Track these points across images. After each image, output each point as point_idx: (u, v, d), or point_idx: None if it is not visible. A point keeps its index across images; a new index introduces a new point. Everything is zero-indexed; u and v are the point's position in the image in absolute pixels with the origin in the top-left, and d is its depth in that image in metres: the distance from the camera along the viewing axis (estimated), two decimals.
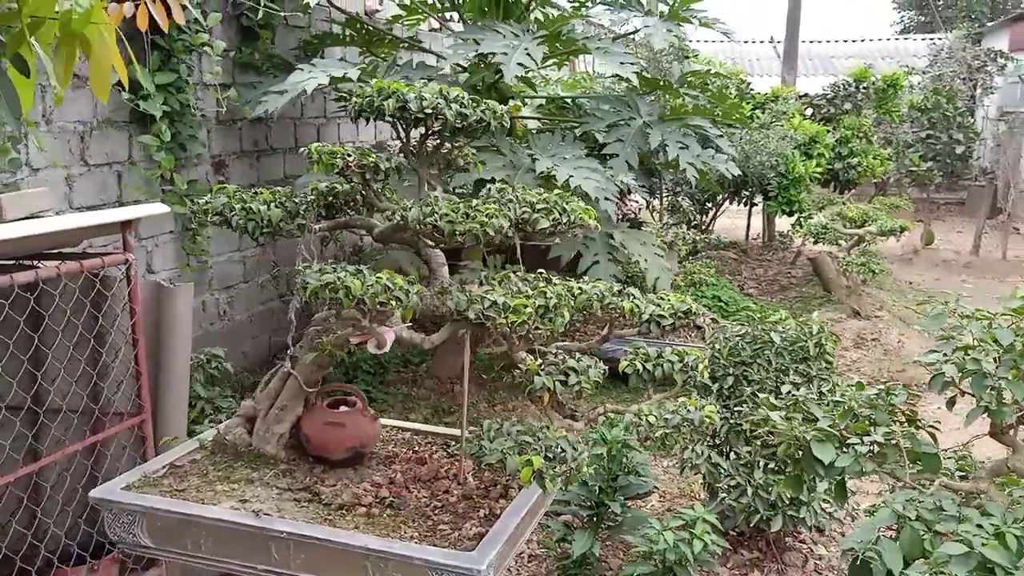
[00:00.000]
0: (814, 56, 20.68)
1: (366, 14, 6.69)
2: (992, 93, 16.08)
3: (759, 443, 4.05)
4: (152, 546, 2.66)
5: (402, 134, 2.70)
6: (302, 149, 2.62)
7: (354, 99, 2.62)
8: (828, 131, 10.64)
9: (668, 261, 5.78)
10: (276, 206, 2.57)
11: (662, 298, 2.96)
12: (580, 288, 2.63)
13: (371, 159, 2.52)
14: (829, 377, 4.30)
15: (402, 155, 2.69)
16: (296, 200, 2.66)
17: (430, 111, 2.47)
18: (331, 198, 2.81)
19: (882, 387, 2.42)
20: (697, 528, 3.70)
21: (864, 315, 8.74)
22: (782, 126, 10.27)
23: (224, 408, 4.63)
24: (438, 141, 2.69)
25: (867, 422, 2.34)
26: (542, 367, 2.50)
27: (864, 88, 11.51)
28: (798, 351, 4.20)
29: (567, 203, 2.55)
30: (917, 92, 13.47)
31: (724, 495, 4.15)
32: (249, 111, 5.14)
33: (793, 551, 4.39)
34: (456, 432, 3.21)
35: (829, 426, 2.34)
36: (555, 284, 2.48)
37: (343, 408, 2.92)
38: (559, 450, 2.28)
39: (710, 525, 3.73)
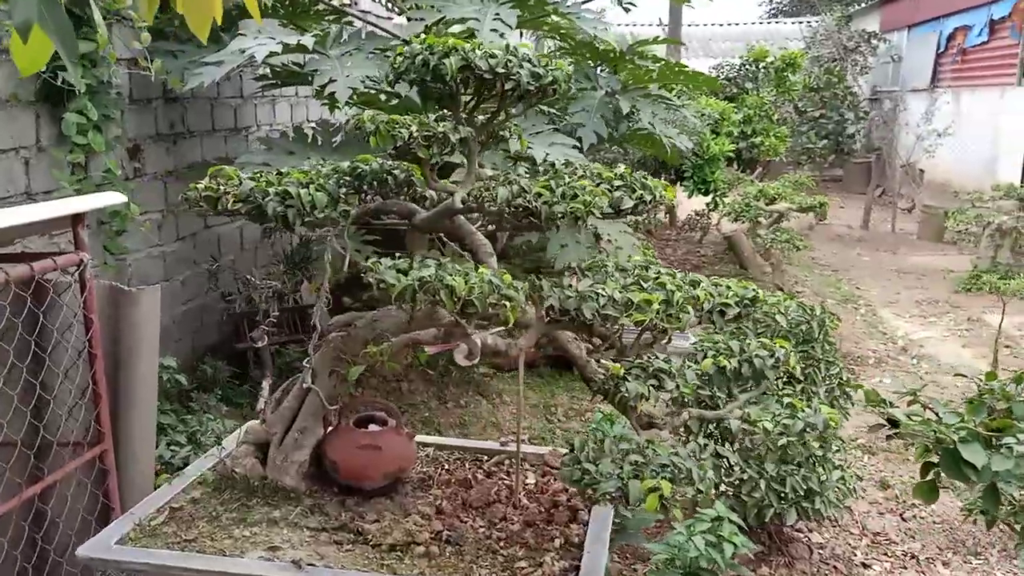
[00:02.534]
0: (694, 39, 21.00)
1: None
2: (866, 73, 16.67)
3: (767, 435, 3.85)
4: None
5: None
6: (347, 117, 2.16)
7: (397, 59, 2.18)
8: (734, 109, 10.69)
9: None
10: (316, 189, 2.11)
11: (718, 284, 2.66)
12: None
13: (439, 129, 2.10)
14: (835, 359, 4.15)
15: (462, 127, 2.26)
16: (333, 181, 2.20)
17: (502, 71, 2.07)
18: (353, 179, 2.36)
19: (1009, 377, 2.20)
20: (724, 530, 3.45)
21: (787, 291, 8.79)
22: (690, 105, 10.20)
23: (165, 425, 4.04)
24: (495, 109, 2.29)
25: (1005, 416, 2.10)
26: (629, 371, 2.15)
27: (763, 68, 11.64)
28: (800, 333, 4.02)
29: (645, 179, 2.21)
30: (801, 73, 13.77)
31: (728, 489, 3.92)
32: (178, 83, 4.52)
33: (795, 542, 4.22)
34: (487, 445, 2.83)
35: (966, 422, 2.09)
36: (669, 274, 2.14)
37: (373, 427, 2.49)
38: (680, 471, 1.94)
39: (736, 526, 3.49)
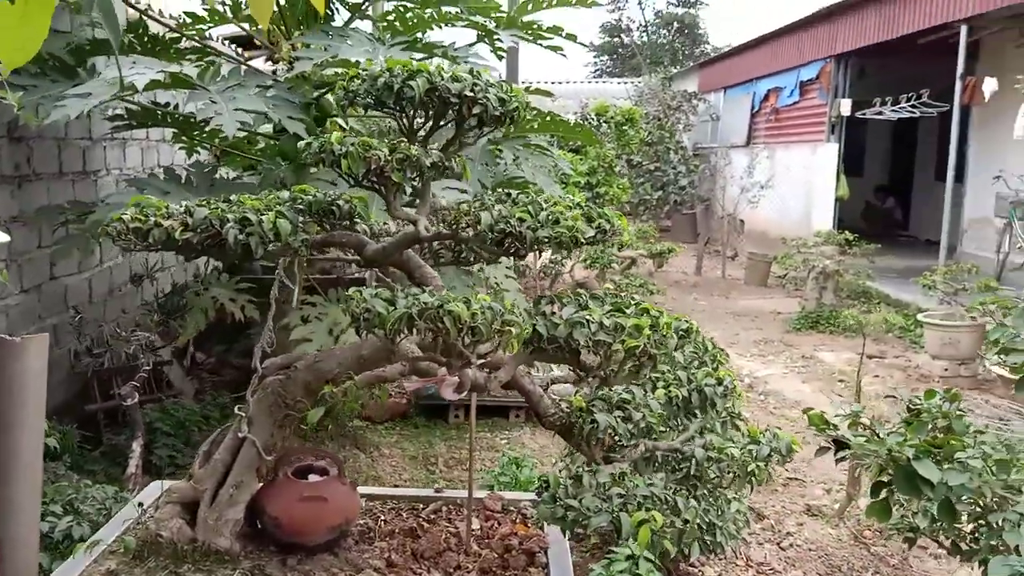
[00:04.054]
0: (529, 96, 21.62)
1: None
2: (689, 130, 17.73)
3: (670, 468, 3.91)
4: None
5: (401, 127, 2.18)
6: (306, 142, 1.99)
7: (354, 82, 2.07)
8: (580, 161, 11.05)
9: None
10: (277, 216, 1.94)
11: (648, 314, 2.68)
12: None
13: (413, 152, 1.99)
14: (727, 392, 4.25)
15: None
16: (287, 208, 2.04)
17: (469, 95, 2.00)
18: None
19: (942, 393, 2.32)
20: (641, 568, 3.44)
21: None
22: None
23: None
24: (452, 137, 2.21)
25: (943, 434, 2.21)
26: (591, 403, 2.11)
27: (605, 122, 12.13)
28: (698, 365, 4.11)
29: (603, 209, 2.20)
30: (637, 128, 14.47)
31: None
32: (32, 119, 4.13)
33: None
34: (422, 492, 2.70)
35: (909, 440, 2.19)
36: (636, 301, 2.11)
37: (314, 477, 2.31)
38: (664, 502, 1.91)
39: (651, 563, 3.49)
